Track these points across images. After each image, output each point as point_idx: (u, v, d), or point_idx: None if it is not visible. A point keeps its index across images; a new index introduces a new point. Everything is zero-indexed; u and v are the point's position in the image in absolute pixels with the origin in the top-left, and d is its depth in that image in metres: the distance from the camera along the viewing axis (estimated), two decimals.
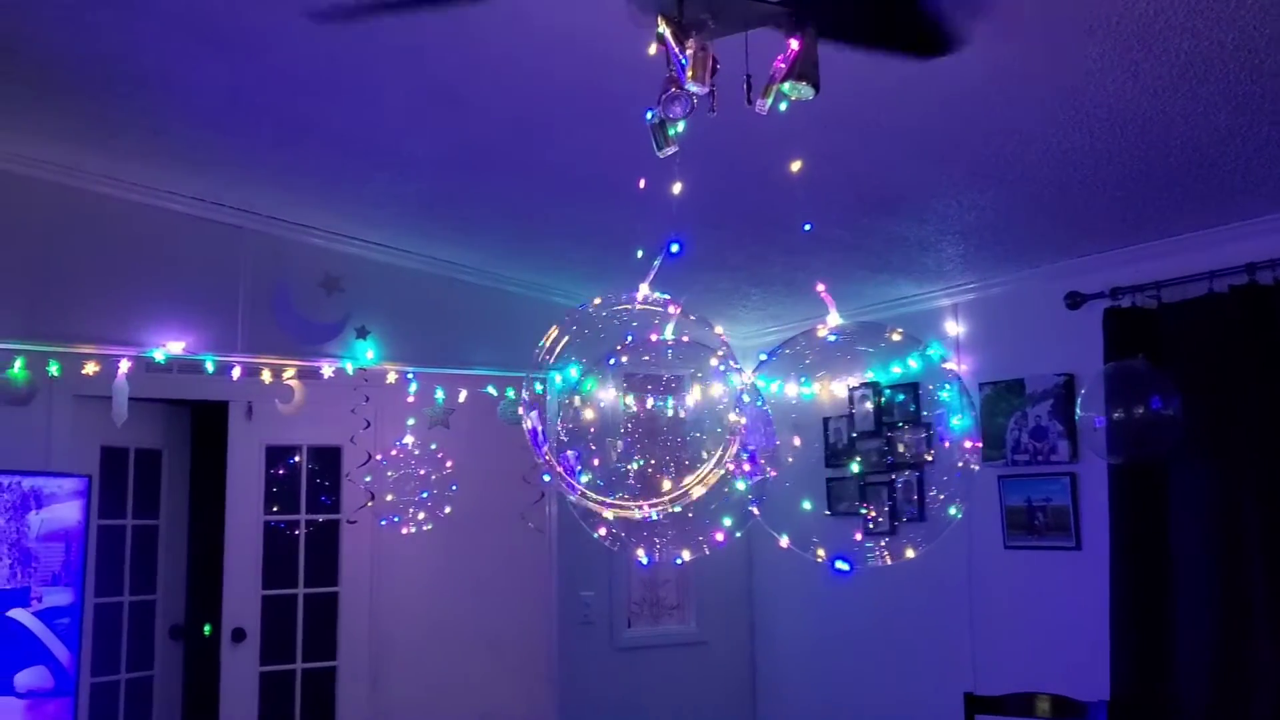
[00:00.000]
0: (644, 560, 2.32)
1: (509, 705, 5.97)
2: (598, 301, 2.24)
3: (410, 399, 5.58)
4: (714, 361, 2.21)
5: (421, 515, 5.63)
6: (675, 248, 2.26)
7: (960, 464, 2.40)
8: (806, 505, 2.38)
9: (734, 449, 2.29)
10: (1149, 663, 4.16)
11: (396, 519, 5.63)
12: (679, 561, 2.34)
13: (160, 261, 4.65)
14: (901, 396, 5.22)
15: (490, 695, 6.01)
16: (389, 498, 5.62)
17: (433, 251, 5.24)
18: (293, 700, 6.11)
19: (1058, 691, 4.28)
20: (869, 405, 5.46)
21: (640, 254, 2.31)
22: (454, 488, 5.58)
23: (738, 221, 4.43)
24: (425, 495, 5.61)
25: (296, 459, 6.29)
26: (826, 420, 5.53)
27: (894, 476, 5.24)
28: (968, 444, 2.50)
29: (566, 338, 2.18)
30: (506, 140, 3.75)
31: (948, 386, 2.60)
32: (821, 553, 2.37)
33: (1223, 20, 2.67)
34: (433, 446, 5.60)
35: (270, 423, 5.87)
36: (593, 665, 5.84)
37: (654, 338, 2.20)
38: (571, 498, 2.20)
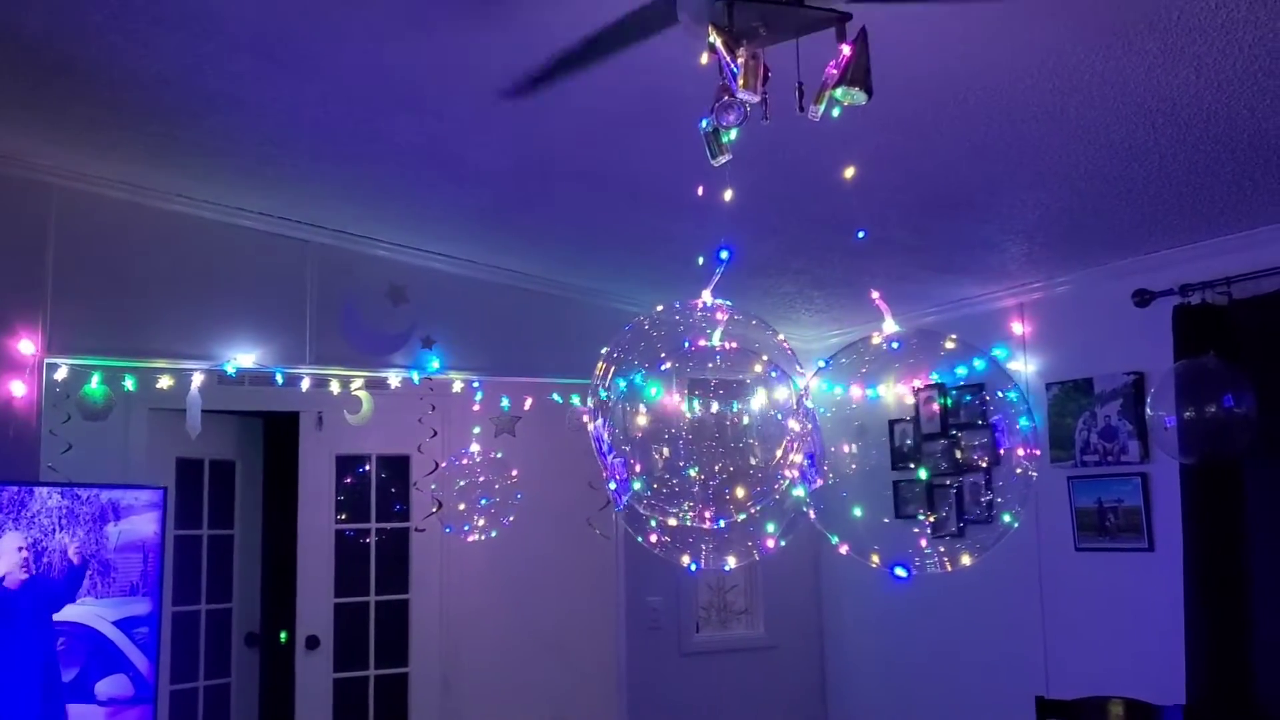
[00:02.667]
0: (692, 567, 2.33)
1: (578, 710, 6.01)
2: (660, 307, 2.25)
3: (476, 407, 5.65)
4: (759, 367, 2.21)
5: (482, 522, 5.67)
6: (725, 254, 2.27)
7: (1019, 470, 2.37)
8: (857, 512, 2.36)
9: (796, 456, 2.28)
10: (1226, 666, 4.07)
11: (467, 527, 5.67)
12: (727, 569, 2.34)
13: (230, 276, 4.75)
14: (969, 398, 5.16)
15: (559, 700, 6.05)
16: (461, 506, 5.66)
17: (496, 261, 5.29)
18: (366, 706, 6.21)
19: (1132, 696, 4.21)
20: (935, 407, 5.40)
21: (701, 261, 2.32)
22: (519, 496, 5.62)
23: (799, 225, 4.42)
24: (485, 502, 5.65)
25: (366, 468, 6.39)
26: (893, 423, 5.48)
27: (950, 482, 5.17)
28: (1021, 451, 2.48)
29: (613, 367, 2.20)
30: (568, 149, 3.78)
31: (1007, 391, 2.58)
32: (876, 558, 2.36)
33: None
34: (498, 455, 5.65)
35: (340, 432, 5.98)
36: (661, 670, 5.85)
37: (700, 343, 2.21)
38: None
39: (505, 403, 5.50)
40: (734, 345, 2.28)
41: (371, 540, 6.36)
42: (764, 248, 4.66)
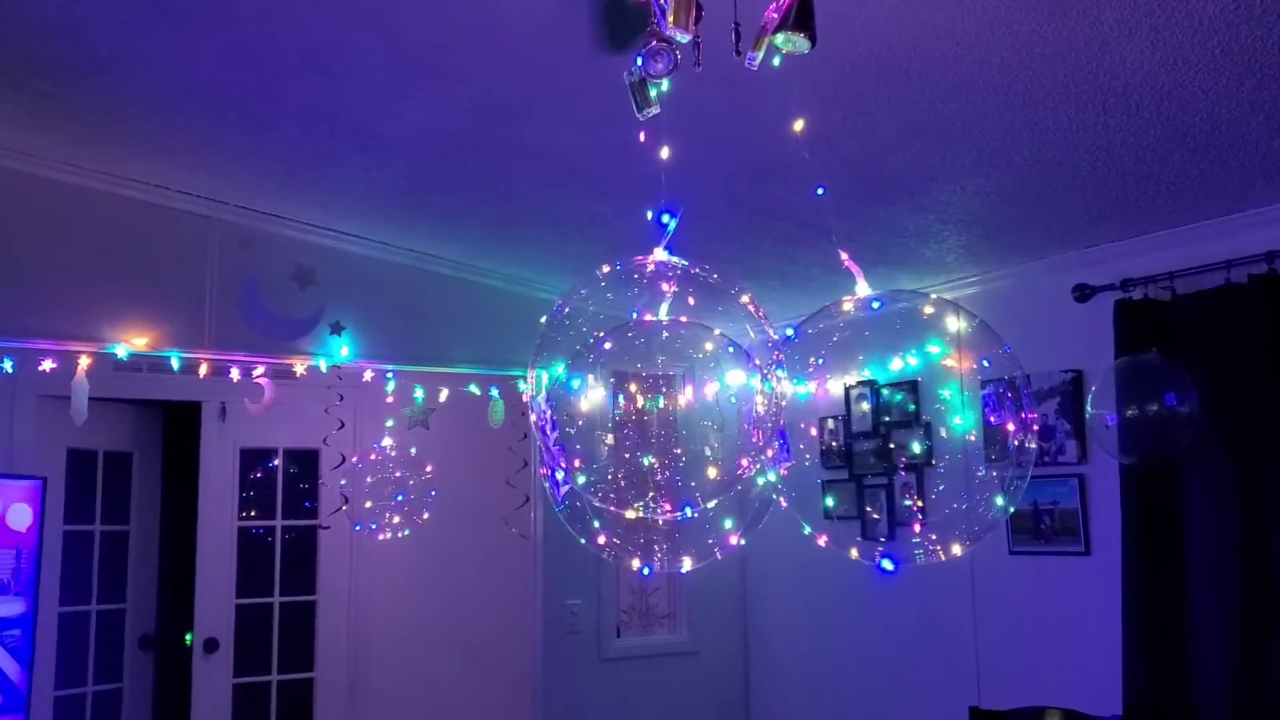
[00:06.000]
0: (645, 571, 2.09)
1: (492, 718, 5.78)
2: (606, 267, 2.01)
3: (389, 399, 5.37)
4: (710, 345, 1.97)
5: (397, 520, 5.40)
6: (667, 218, 2.06)
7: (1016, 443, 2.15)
8: (830, 502, 2.14)
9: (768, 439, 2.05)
10: (1165, 674, 3.96)
11: (375, 525, 5.40)
12: (683, 571, 2.11)
13: (123, 253, 4.45)
14: (900, 396, 5.03)
15: (472, 707, 5.84)
16: (368, 504, 5.39)
17: (410, 243, 5.03)
18: (268, 713, 5.92)
19: (1068, 705, 4.08)
20: (865, 406, 5.24)
21: (650, 215, 2.10)
22: (433, 493, 5.36)
23: (727, 210, 4.23)
24: (400, 499, 5.39)
25: (275, 462, 6.07)
26: (823, 420, 5.32)
27: (889, 478, 5.02)
28: (1011, 426, 2.27)
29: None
30: (485, 121, 3.54)
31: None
32: (855, 552, 2.14)
33: None
34: (412, 450, 5.38)
35: (245, 424, 5.66)
36: (579, 676, 5.67)
37: (647, 317, 1.97)
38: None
39: (419, 394, 5.22)
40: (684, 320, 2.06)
41: (277, 538, 6.04)
42: (691, 234, 4.44)
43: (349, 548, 5.99)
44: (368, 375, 5.12)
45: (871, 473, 5.15)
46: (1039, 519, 4.55)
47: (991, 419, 2.18)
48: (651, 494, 1.88)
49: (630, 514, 1.91)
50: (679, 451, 1.96)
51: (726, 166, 3.75)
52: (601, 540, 2.09)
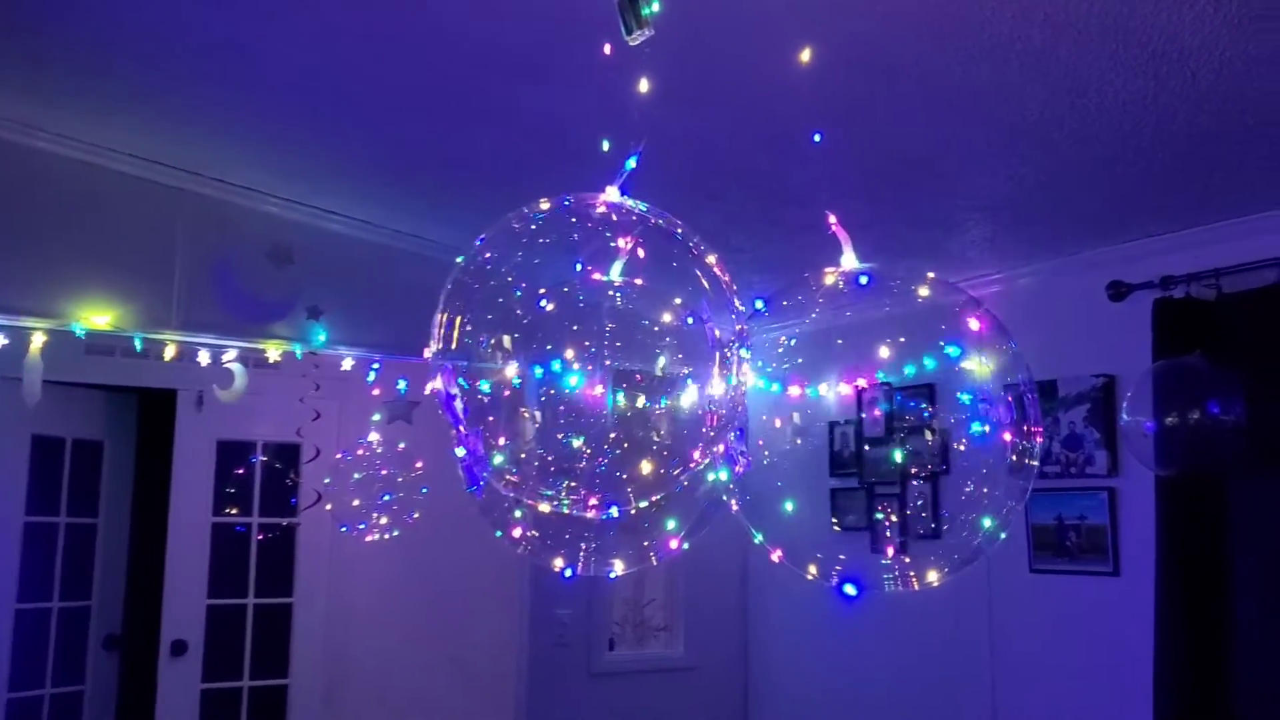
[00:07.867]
0: (566, 573, 1.78)
1: None
2: (546, 202, 1.68)
3: (375, 391, 5.06)
4: (668, 316, 1.62)
5: (385, 520, 5.10)
6: (632, 162, 1.73)
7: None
8: (789, 507, 1.81)
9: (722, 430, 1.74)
10: (1200, 706, 3.68)
11: (362, 525, 5.10)
12: (612, 576, 1.79)
13: (84, 224, 4.17)
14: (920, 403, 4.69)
15: None
16: (354, 503, 5.08)
17: (397, 224, 4.75)
18: None
19: None
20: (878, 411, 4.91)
21: (606, 146, 1.78)
22: (424, 491, 5.05)
23: (737, 193, 3.94)
24: (388, 498, 5.10)
25: (260, 457, 5.77)
26: (833, 425, 5.00)
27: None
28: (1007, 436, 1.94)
29: (459, 319, 1.61)
30: (476, 81, 3.21)
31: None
32: (814, 570, 1.82)
33: None
34: (400, 445, 5.08)
35: (223, 415, 5.36)
36: (567, 691, 5.44)
37: (595, 277, 1.62)
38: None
39: (403, 385, 4.91)
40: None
41: (253, 537, 5.73)
42: (702, 219, 4.11)
43: (328, 549, 5.70)
44: (347, 364, 4.82)
45: (883, 481, 4.83)
46: (1064, 535, 4.25)
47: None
48: (572, 485, 1.55)
49: (545, 506, 1.60)
50: (615, 438, 1.61)
51: (735, 144, 3.47)
52: (517, 534, 1.79)
